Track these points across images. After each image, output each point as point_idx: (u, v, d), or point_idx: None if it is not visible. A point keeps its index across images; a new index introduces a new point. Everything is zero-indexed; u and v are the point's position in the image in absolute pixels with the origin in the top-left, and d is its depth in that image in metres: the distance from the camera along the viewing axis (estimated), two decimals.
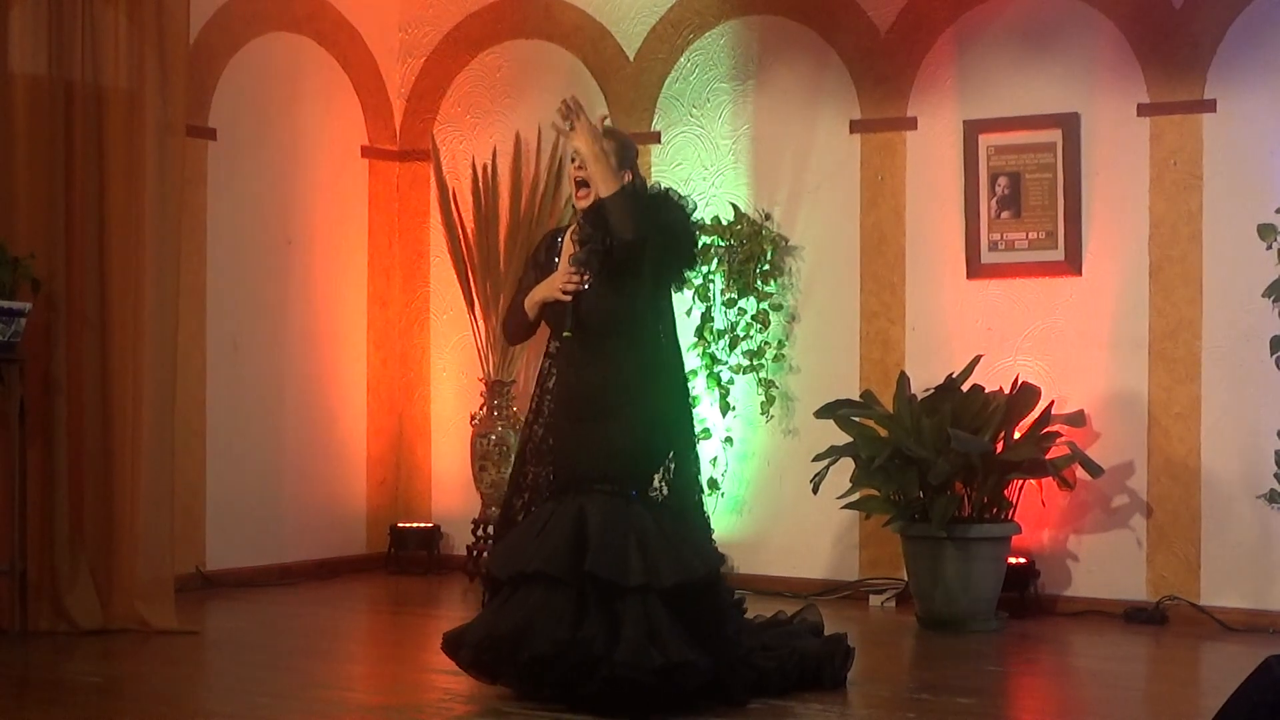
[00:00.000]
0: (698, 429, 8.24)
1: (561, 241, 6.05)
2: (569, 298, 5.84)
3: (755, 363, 8.47)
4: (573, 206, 6.02)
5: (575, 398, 5.89)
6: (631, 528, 5.71)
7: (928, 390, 7.72)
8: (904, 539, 7.63)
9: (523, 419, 6.35)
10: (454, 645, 5.89)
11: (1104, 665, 6.86)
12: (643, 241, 5.72)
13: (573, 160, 5.92)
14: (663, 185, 6.08)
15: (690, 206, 5.98)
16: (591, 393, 5.84)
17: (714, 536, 6.08)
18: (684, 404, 6.04)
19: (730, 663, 5.76)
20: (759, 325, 8.46)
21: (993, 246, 8.07)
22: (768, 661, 5.92)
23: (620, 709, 5.53)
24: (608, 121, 5.93)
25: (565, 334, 5.86)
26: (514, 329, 6.17)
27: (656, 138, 8.81)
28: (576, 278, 5.83)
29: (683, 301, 8.34)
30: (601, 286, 5.83)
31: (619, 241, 5.71)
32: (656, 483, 5.90)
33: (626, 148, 5.98)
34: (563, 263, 5.95)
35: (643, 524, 5.75)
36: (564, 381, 5.95)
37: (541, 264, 6.07)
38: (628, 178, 5.86)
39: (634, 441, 5.82)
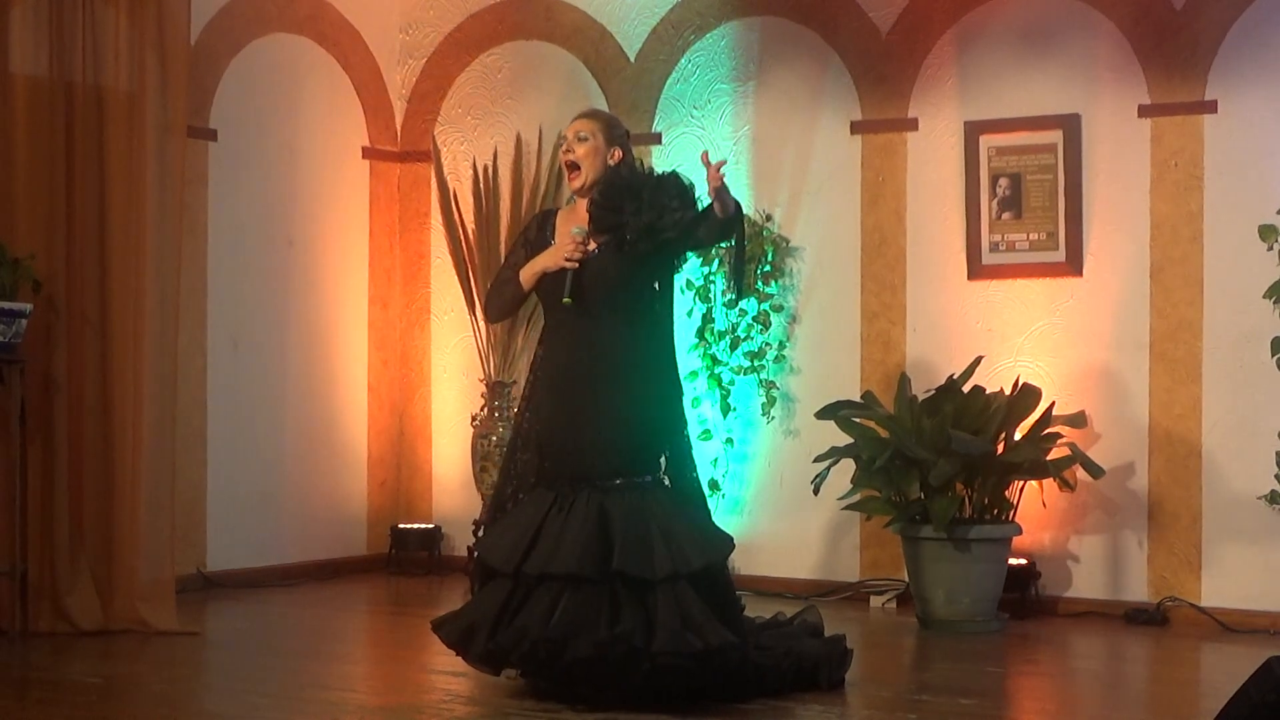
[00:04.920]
0: (696, 427, 8.27)
1: (555, 219, 6.09)
2: (575, 264, 5.84)
3: (756, 364, 8.47)
4: (573, 195, 6.10)
5: (568, 371, 5.88)
6: (653, 517, 5.74)
7: (928, 391, 7.72)
8: (905, 540, 7.63)
9: None
10: (463, 639, 5.87)
11: (1105, 666, 6.86)
12: (702, 242, 5.93)
13: (562, 146, 6.02)
14: (654, 168, 6.12)
15: (691, 189, 5.98)
16: (587, 365, 5.83)
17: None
18: (676, 383, 6.04)
19: (749, 643, 5.82)
20: (760, 326, 8.46)
21: (994, 247, 8.07)
22: (763, 660, 5.93)
23: (659, 697, 5.57)
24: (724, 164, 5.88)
25: (565, 300, 5.84)
26: (501, 303, 6.16)
27: (658, 139, 8.81)
28: (582, 246, 5.84)
29: (684, 303, 8.35)
30: (606, 257, 5.85)
31: (669, 229, 5.79)
32: (661, 463, 5.94)
33: (614, 126, 6.05)
34: (562, 237, 5.96)
35: (663, 511, 5.79)
36: (554, 356, 5.95)
37: (533, 241, 6.08)
38: (617, 156, 5.92)
39: (636, 427, 5.83)
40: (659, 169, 6.13)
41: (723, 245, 8.36)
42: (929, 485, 7.44)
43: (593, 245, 5.87)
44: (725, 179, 5.69)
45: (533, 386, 6.04)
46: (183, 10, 7.45)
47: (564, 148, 6.02)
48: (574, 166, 5.97)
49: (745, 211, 8.41)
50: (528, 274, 5.98)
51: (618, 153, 5.96)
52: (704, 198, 5.87)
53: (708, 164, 5.74)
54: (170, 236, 7.40)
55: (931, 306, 8.21)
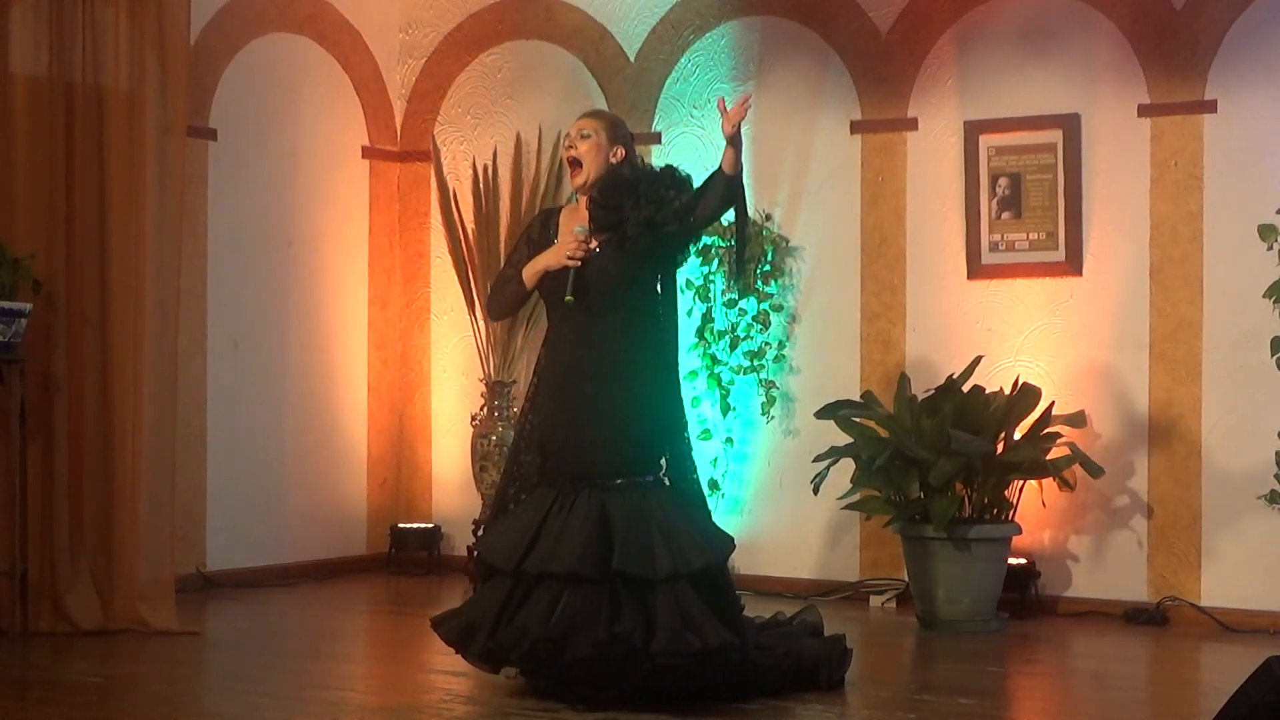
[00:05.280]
0: (696, 427, 8.27)
1: (558, 218, 6.09)
2: (577, 263, 5.84)
3: (756, 363, 8.47)
4: (574, 194, 6.11)
5: (571, 370, 5.88)
6: (653, 517, 5.74)
7: (928, 391, 7.71)
8: (904, 540, 7.63)
9: None
10: (463, 637, 5.87)
11: (1104, 666, 6.86)
12: (703, 220, 5.87)
13: (565, 143, 6.05)
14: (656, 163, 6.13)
15: (687, 180, 5.98)
16: (590, 364, 5.84)
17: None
18: (677, 384, 6.05)
19: (749, 644, 5.82)
20: (760, 326, 8.46)
21: (993, 247, 8.07)
22: (763, 660, 5.93)
23: (659, 697, 5.57)
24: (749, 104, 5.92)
25: (567, 298, 5.84)
26: (503, 301, 6.16)
27: (658, 138, 8.81)
28: (585, 245, 5.84)
29: (684, 302, 8.34)
30: (609, 254, 5.85)
31: (657, 217, 5.79)
32: (663, 463, 5.94)
33: (617, 125, 6.08)
34: (564, 235, 5.96)
35: (664, 511, 5.79)
36: (556, 356, 5.96)
37: (535, 240, 6.08)
38: (620, 154, 5.94)
39: (637, 427, 5.84)
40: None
41: (721, 245, 8.43)
42: (929, 485, 7.44)
43: (594, 244, 5.88)
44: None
45: (535, 388, 6.05)
46: (183, 10, 7.45)
47: (566, 144, 6.04)
48: (576, 163, 5.98)
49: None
50: (530, 272, 5.98)
51: (620, 151, 5.98)
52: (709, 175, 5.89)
53: (724, 110, 5.74)
54: (170, 236, 7.41)
55: (931, 306, 8.21)
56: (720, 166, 5.82)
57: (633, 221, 5.81)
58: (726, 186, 5.81)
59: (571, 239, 5.88)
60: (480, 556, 6.06)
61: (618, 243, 5.86)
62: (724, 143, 5.79)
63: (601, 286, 5.86)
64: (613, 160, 5.96)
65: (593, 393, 5.84)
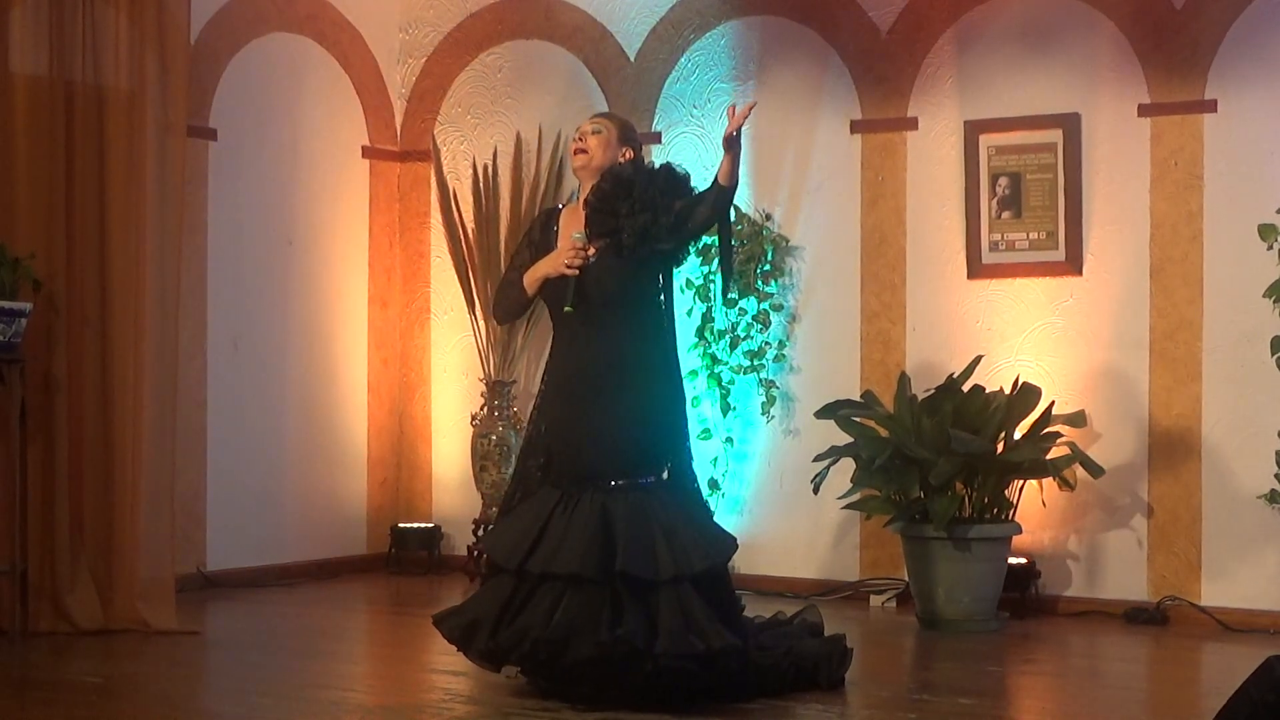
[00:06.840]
0: (696, 427, 8.27)
1: (559, 218, 6.08)
2: (575, 272, 5.84)
3: (756, 363, 8.47)
4: (575, 193, 6.13)
5: (574, 377, 5.89)
6: (655, 519, 5.75)
7: (928, 390, 7.71)
8: (904, 539, 7.63)
9: (524, 420, 6.35)
10: (464, 636, 5.87)
11: (1105, 665, 6.86)
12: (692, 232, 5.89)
13: (575, 134, 6.07)
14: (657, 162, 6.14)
15: (685, 178, 5.99)
16: (593, 370, 5.84)
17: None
18: (679, 386, 6.05)
19: (750, 644, 5.82)
20: (760, 325, 8.46)
21: (993, 247, 8.07)
22: (763, 660, 5.93)
23: (662, 699, 5.57)
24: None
25: (567, 309, 5.85)
26: (508, 306, 6.17)
27: (657, 138, 8.81)
28: (583, 252, 5.84)
29: (684, 302, 8.35)
30: (606, 260, 5.85)
31: (660, 224, 5.79)
32: (666, 465, 5.94)
33: (628, 128, 6.11)
34: (563, 239, 5.96)
35: (667, 513, 5.79)
36: (561, 363, 5.96)
37: (536, 242, 6.08)
38: (628, 155, 5.94)
39: (640, 430, 5.84)
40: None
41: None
42: (929, 484, 7.44)
43: (591, 250, 5.86)
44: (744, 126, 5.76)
45: (543, 395, 6.05)
46: (183, 10, 7.46)
47: (576, 135, 6.05)
48: (582, 151, 5.98)
49: (745, 211, 8.49)
50: (530, 280, 5.99)
51: (629, 152, 5.98)
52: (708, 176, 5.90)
53: (732, 115, 5.75)
54: (170, 236, 7.41)
55: (931, 306, 8.21)
56: (716, 177, 5.82)
57: (628, 231, 5.80)
58: (717, 197, 5.82)
59: (569, 246, 5.88)
60: (484, 555, 6.07)
61: (615, 249, 5.85)
62: (724, 150, 5.80)
63: (600, 293, 5.86)
64: (621, 159, 5.96)
65: (596, 397, 5.84)
